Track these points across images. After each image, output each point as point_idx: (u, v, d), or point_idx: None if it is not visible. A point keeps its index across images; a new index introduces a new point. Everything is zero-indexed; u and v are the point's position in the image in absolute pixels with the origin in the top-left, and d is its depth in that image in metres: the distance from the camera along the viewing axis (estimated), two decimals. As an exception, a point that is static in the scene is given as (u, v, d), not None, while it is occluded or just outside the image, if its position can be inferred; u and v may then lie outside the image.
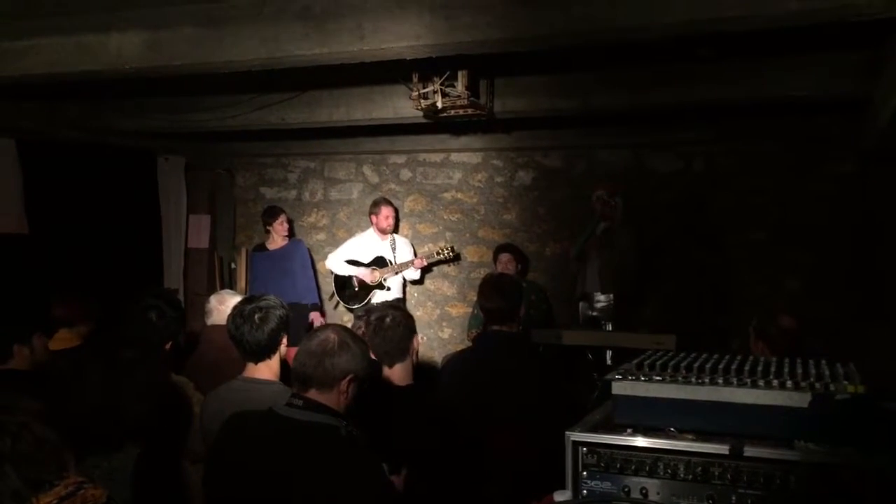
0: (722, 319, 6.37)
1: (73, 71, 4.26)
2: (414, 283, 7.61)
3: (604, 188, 6.31)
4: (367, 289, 7.13)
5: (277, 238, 7.47)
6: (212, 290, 7.44)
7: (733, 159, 6.80)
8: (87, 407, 2.48)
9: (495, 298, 3.85)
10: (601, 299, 6.13)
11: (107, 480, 2.28)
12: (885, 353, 5.52)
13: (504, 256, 6.76)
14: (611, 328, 5.91)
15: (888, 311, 5.85)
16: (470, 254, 7.65)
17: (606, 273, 6.23)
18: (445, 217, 7.72)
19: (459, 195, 7.69)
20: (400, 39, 3.70)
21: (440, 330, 7.76)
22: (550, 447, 2.10)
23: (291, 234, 7.77)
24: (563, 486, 1.99)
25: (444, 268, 7.69)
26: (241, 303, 3.37)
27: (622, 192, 6.35)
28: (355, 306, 7.13)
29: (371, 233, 7.29)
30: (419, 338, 3.34)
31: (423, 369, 4.18)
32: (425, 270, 7.54)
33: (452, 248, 7.36)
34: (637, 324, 6.06)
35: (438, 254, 7.28)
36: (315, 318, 7.24)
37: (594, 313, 6.15)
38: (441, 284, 7.75)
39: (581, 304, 6.27)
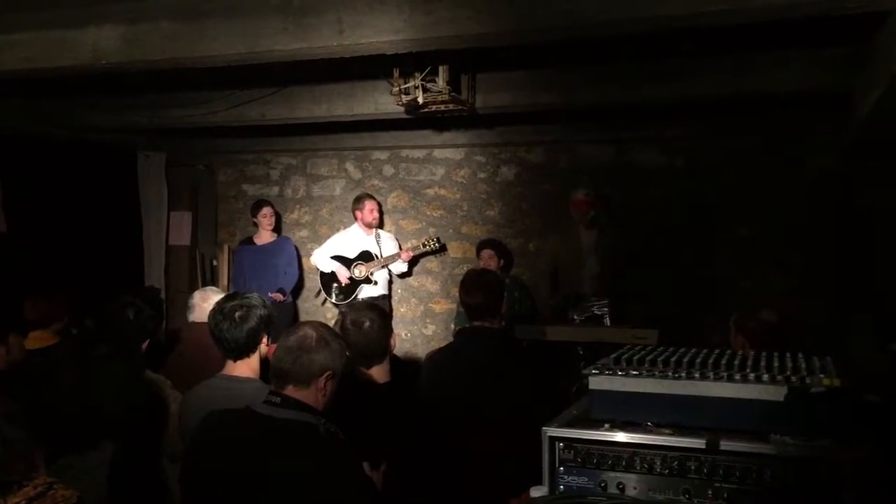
0: (706, 315, 6.38)
1: (49, 66, 4.23)
2: (402, 276, 7.59)
3: (578, 205, 6.33)
4: (353, 284, 7.11)
5: (263, 232, 7.48)
6: (193, 287, 7.39)
7: (716, 155, 6.80)
8: (61, 405, 2.45)
9: (477, 294, 3.83)
10: (594, 301, 6.14)
11: (80, 480, 2.25)
12: (868, 348, 5.54)
13: (486, 252, 6.77)
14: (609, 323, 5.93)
15: (871, 306, 5.87)
16: (453, 250, 7.64)
17: (598, 276, 6.29)
18: (428, 213, 7.70)
19: (442, 191, 7.67)
20: (380, 34, 3.68)
21: (424, 326, 7.75)
22: (533, 443, 2.09)
23: (279, 229, 7.75)
24: (541, 482, 1.98)
25: (428, 264, 7.68)
26: (222, 300, 3.35)
27: (599, 196, 6.37)
28: (342, 302, 7.12)
29: (356, 228, 7.27)
30: (395, 336, 3.34)
31: (406, 366, 4.17)
32: (410, 265, 7.52)
33: (438, 239, 7.35)
34: (620, 319, 6.06)
35: (424, 245, 7.28)
36: (275, 296, 7.19)
37: (590, 313, 6.15)
38: (424, 281, 7.73)
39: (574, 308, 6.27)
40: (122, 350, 2.87)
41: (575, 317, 6.01)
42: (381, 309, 3.34)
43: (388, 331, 3.24)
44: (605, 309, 5.95)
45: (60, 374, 2.67)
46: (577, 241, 6.42)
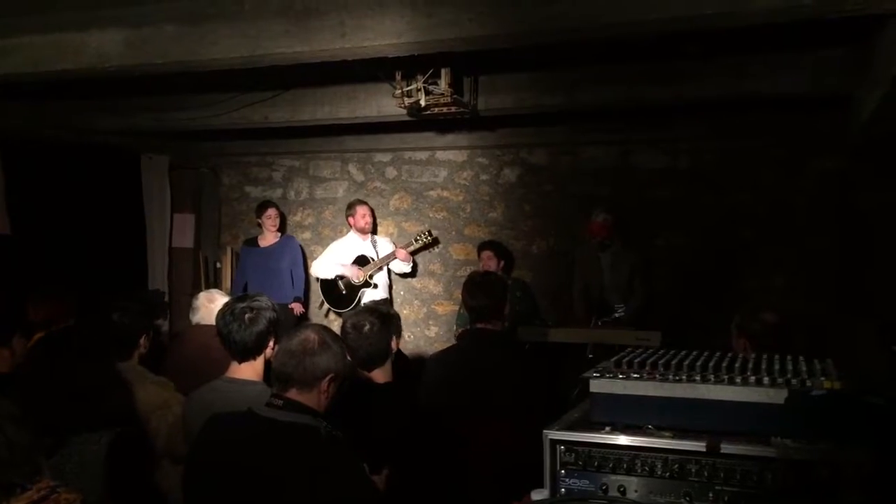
0: (709, 316, 6.37)
1: (53, 70, 4.23)
2: (405, 276, 7.59)
3: (594, 230, 6.41)
4: (354, 290, 7.10)
5: (268, 233, 7.46)
6: (197, 289, 7.41)
7: (718, 156, 6.81)
8: (37, 402, 2.47)
9: (480, 296, 3.84)
10: (621, 308, 6.21)
11: (79, 474, 2.27)
12: (871, 349, 5.54)
13: (485, 254, 6.79)
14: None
15: (874, 307, 5.87)
16: (456, 252, 7.64)
17: (616, 289, 6.42)
18: (431, 215, 7.70)
19: (445, 193, 7.68)
20: (382, 37, 3.68)
21: (427, 328, 7.75)
22: (534, 445, 2.10)
23: (283, 231, 7.75)
24: (542, 485, 1.98)
25: (431, 266, 7.68)
26: (232, 300, 3.34)
27: (615, 221, 6.41)
28: (345, 309, 7.11)
29: (351, 235, 7.29)
30: (397, 340, 3.33)
31: (409, 368, 4.18)
32: (413, 264, 7.52)
33: (430, 231, 7.35)
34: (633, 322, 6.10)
35: (417, 240, 7.29)
36: (296, 307, 7.24)
37: (611, 318, 6.20)
38: (427, 283, 7.74)
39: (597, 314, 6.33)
40: (91, 348, 2.89)
41: (600, 322, 6.07)
42: (381, 312, 3.32)
43: (388, 334, 3.24)
44: (623, 313, 6.02)
45: (36, 372, 2.69)
46: (597, 260, 6.54)
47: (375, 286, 7.13)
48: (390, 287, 7.48)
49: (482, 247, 6.90)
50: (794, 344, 3.84)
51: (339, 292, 7.14)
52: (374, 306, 3.52)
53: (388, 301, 7.33)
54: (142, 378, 3.49)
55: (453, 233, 7.64)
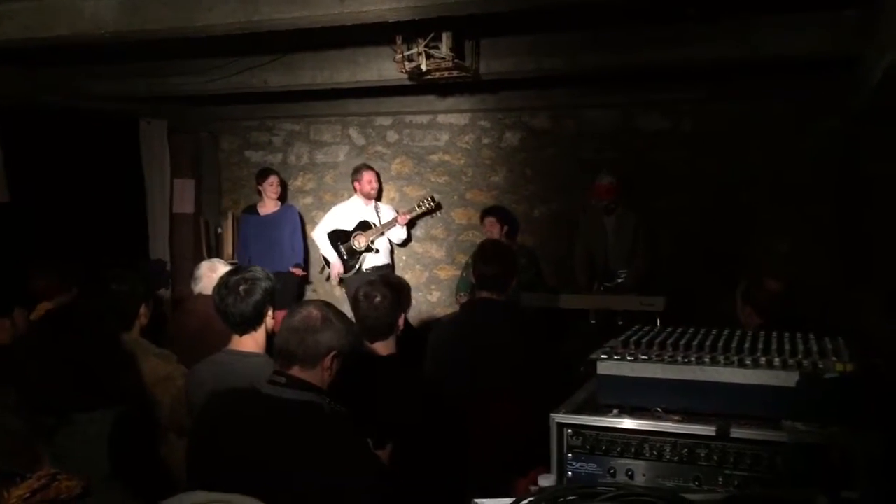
0: (713, 280, 6.35)
1: (48, 36, 4.18)
2: (402, 245, 7.56)
3: (599, 192, 6.36)
4: (355, 255, 7.08)
5: (268, 201, 7.41)
6: (198, 255, 7.40)
7: (722, 119, 6.73)
8: (53, 378, 2.46)
9: (494, 264, 3.80)
10: (623, 272, 6.20)
11: (84, 451, 2.26)
12: (877, 318, 5.51)
13: (489, 220, 6.74)
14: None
15: (878, 273, 5.83)
16: (458, 216, 7.59)
17: (620, 254, 6.40)
18: (433, 179, 7.64)
19: (447, 157, 7.61)
20: (382, 1, 3.61)
21: (429, 293, 7.73)
22: (540, 419, 2.08)
23: (283, 196, 7.69)
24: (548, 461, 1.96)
25: (433, 230, 7.64)
26: (226, 274, 3.33)
27: (620, 184, 6.35)
28: (347, 275, 7.09)
29: (355, 199, 7.25)
30: (403, 317, 3.31)
31: (412, 334, 4.16)
32: (409, 231, 7.48)
33: (432, 198, 7.31)
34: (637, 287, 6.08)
35: (420, 206, 7.25)
36: (296, 271, 7.23)
37: (619, 280, 6.19)
38: (429, 247, 7.70)
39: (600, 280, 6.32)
40: (97, 325, 2.87)
41: (602, 287, 6.06)
42: (394, 286, 3.32)
43: (397, 309, 3.23)
44: (625, 278, 6.01)
45: (41, 349, 2.68)
46: (602, 225, 6.50)
47: (377, 251, 7.11)
48: (392, 253, 7.45)
49: (485, 213, 6.85)
50: (799, 312, 3.82)
51: (340, 257, 7.11)
52: (388, 278, 3.51)
53: (391, 266, 7.31)
54: (144, 351, 3.47)
55: (455, 197, 7.58)
